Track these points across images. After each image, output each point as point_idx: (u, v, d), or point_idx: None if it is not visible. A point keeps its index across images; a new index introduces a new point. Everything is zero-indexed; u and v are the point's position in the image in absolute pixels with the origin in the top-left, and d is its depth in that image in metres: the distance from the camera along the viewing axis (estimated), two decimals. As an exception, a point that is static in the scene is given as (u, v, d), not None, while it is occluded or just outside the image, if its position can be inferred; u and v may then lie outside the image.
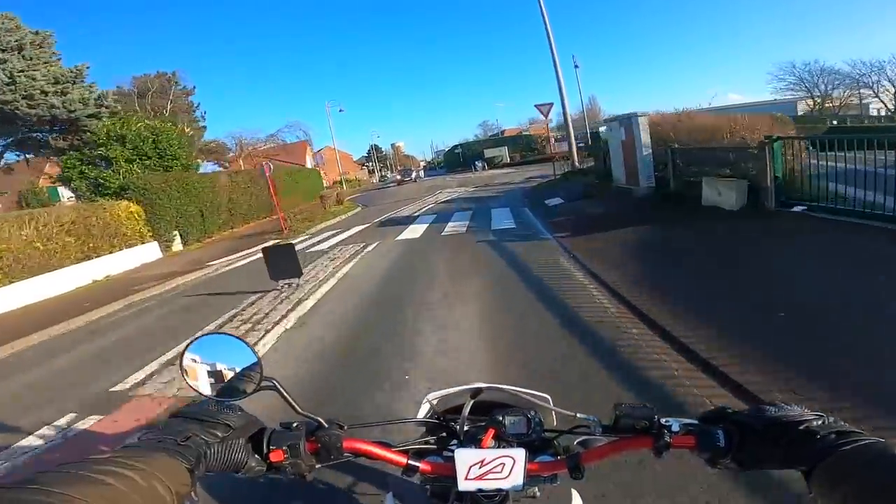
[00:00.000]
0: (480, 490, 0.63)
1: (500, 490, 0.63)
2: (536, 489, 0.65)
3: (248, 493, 2.11)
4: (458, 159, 47.77)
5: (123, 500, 0.41)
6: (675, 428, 0.60)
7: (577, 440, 0.69)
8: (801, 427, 0.52)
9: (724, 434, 0.57)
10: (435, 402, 0.82)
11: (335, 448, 0.62)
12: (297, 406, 0.65)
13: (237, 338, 0.71)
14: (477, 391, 0.75)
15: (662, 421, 0.61)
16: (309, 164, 45.54)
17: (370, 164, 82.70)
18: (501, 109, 79.54)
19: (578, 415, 0.66)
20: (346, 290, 6.11)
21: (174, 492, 0.46)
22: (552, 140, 27.73)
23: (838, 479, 0.46)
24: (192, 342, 0.70)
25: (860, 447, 0.47)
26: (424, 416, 0.80)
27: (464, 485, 0.63)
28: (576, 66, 30.77)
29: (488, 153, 44.77)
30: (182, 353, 0.69)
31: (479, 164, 36.68)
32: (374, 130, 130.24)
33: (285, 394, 0.65)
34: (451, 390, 0.82)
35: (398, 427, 1.11)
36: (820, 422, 0.53)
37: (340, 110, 40.58)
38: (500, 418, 0.69)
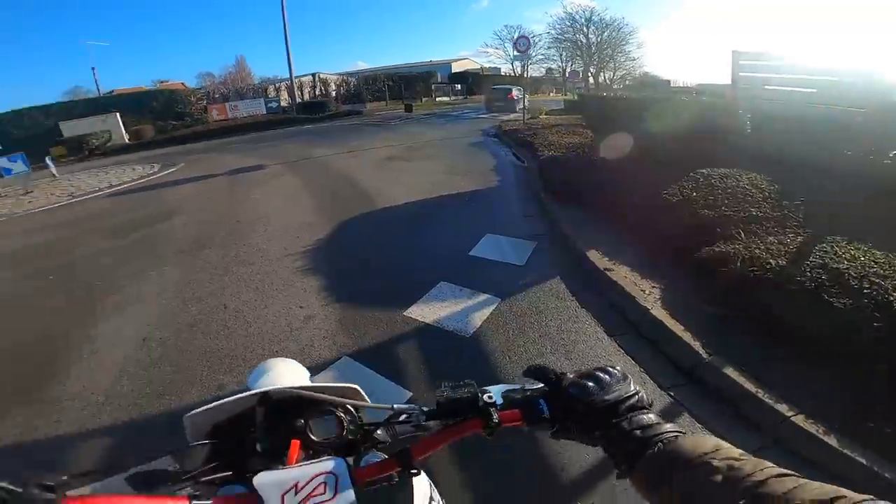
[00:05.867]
0: None
1: None
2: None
3: None
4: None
5: None
6: (500, 402, 0.57)
7: (402, 430, 0.60)
8: (615, 419, 0.53)
9: (547, 404, 0.56)
10: (200, 420, 0.59)
11: None
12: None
13: None
14: (264, 397, 0.59)
15: (485, 398, 0.56)
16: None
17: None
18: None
19: (395, 406, 0.59)
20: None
21: None
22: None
23: (655, 482, 0.48)
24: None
25: (669, 446, 0.49)
26: (196, 441, 0.59)
27: None
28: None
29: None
30: None
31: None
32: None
33: None
34: (225, 401, 0.60)
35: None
36: (638, 408, 0.54)
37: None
38: (301, 423, 0.56)
